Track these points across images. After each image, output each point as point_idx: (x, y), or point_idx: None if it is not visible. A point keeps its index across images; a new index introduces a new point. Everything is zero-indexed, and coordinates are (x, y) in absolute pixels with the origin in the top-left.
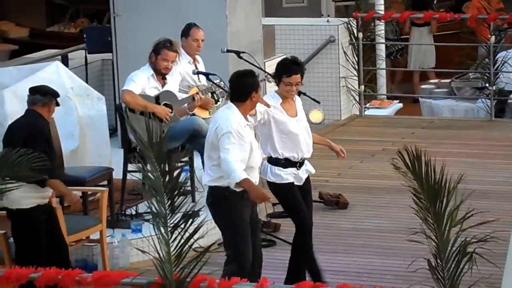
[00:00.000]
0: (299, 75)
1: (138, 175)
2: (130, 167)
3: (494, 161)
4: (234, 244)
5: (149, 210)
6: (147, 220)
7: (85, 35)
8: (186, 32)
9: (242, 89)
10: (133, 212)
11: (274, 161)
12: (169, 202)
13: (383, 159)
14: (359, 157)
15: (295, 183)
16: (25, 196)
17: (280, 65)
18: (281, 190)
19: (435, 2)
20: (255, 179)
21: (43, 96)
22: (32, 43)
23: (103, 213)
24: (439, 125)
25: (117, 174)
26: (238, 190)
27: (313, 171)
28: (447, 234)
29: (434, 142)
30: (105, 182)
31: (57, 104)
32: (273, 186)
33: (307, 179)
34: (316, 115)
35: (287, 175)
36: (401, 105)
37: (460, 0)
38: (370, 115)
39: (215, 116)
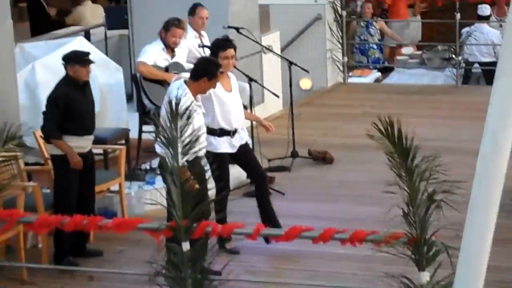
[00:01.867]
0: (232, 49)
1: (152, 135)
2: (145, 128)
3: (460, 122)
4: None
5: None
6: (159, 174)
7: (105, 14)
8: (193, 11)
9: (198, 70)
10: (148, 167)
11: (211, 131)
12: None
13: (364, 121)
14: (343, 119)
15: (230, 150)
16: None
17: (215, 44)
18: (212, 158)
19: None
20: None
21: (63, 60)
22: (60, 21)
23: (121, 167)
24: (412, 91)
25: (134, 134)
26: None
27: (245, 139)
28: (418, 186)
29: (407, 106)
30: (123, 141)
31: (85, 64)
32: (207, 153)
33: (245, 144)
34: (306, 83)
35: (221, 144)
36: (379, 74)
37: None
38: (353, 83)
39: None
